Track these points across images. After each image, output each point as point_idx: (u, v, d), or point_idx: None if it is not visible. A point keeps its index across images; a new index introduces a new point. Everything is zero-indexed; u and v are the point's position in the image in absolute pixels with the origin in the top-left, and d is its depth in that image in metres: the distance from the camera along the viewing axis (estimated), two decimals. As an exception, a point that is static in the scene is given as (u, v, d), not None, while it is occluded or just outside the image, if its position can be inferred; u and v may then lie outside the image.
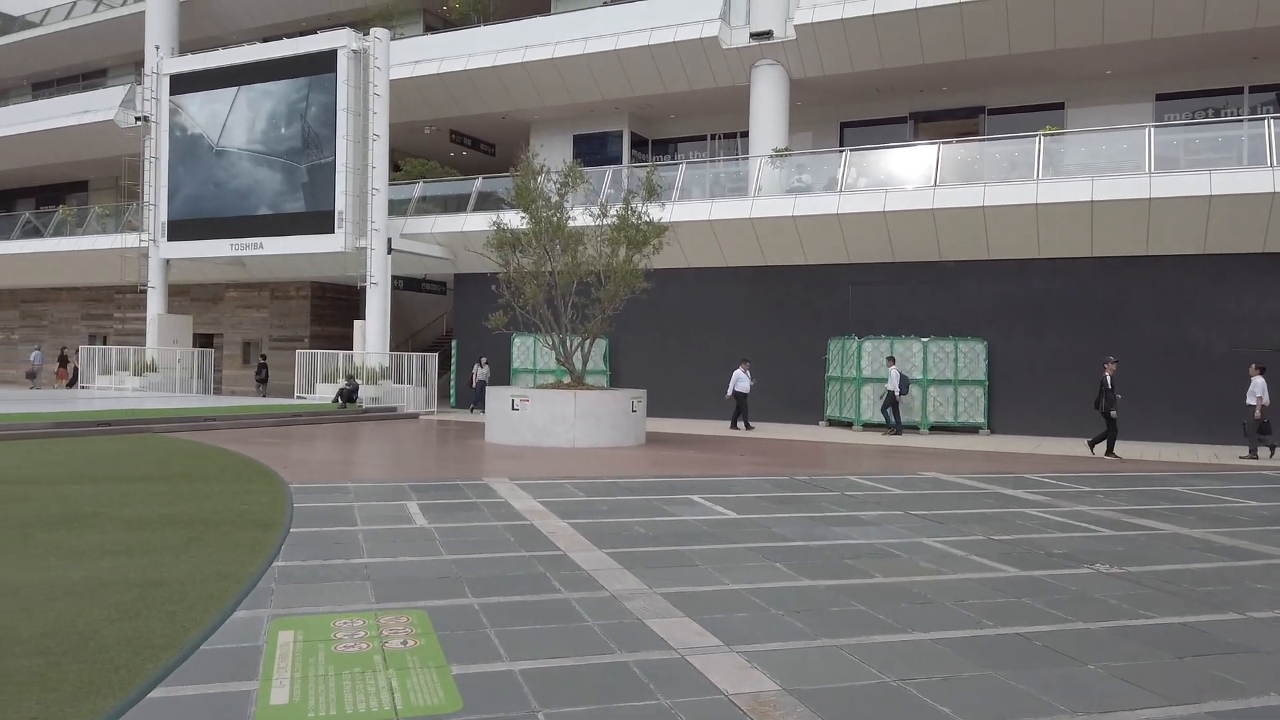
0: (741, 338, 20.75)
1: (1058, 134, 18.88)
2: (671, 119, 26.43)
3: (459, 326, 24.63)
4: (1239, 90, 20.72)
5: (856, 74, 22.11)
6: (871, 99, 23.84)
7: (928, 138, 22.14)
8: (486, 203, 23.33)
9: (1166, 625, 5.13)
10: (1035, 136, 18.41)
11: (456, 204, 24.46)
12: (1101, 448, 14.82)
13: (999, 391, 18.49)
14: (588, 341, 15.92)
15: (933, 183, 18.52)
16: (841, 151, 20.75)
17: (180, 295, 29.34)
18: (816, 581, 5.96)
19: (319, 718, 3.57)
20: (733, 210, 20.03)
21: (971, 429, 18.46)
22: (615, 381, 21.65)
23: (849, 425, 19.09)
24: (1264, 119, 16.82)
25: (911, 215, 18.37)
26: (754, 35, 21.90)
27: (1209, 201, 16.10)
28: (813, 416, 20.14)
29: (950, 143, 19.70)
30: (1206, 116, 20.45)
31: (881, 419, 18.20)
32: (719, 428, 18.93)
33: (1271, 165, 15.83)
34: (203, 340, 29.47)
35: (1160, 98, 21.37)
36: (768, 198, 20.04)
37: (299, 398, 23.39)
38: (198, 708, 3.66)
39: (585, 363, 15.98)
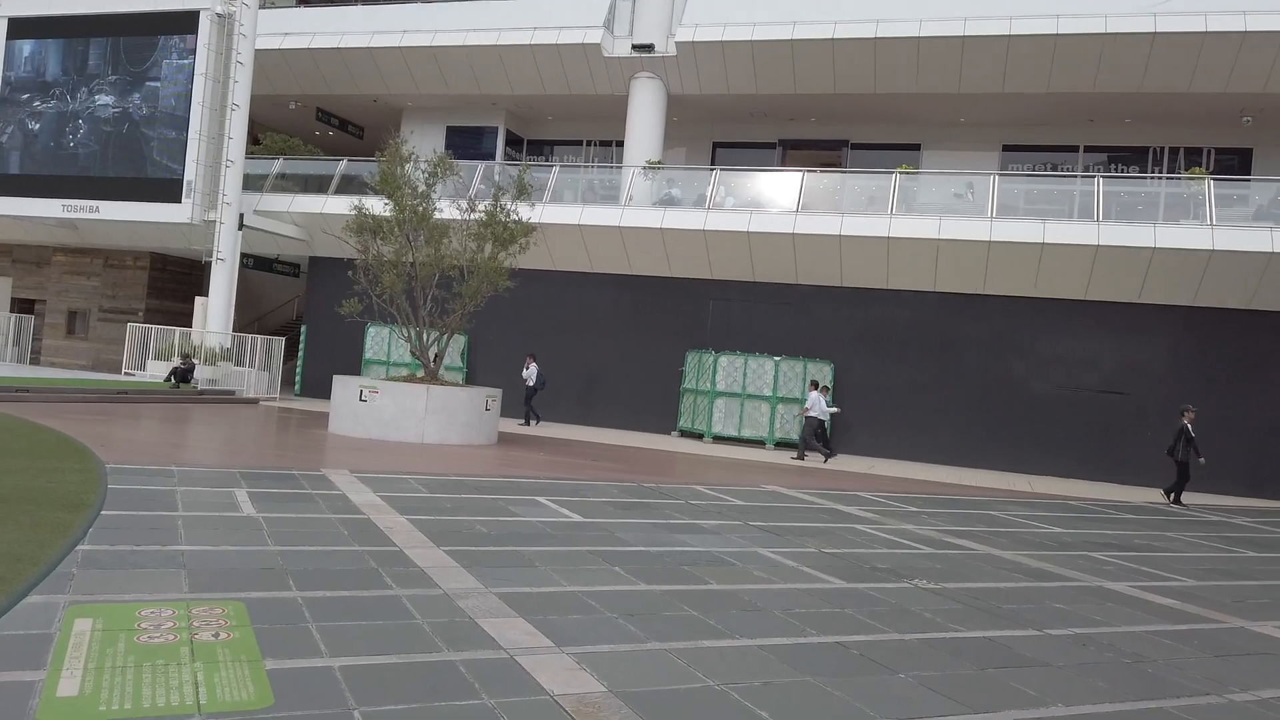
0: (603, 344, 20.85)
1: (912, 173, 19.91)
2: (549, 120, 26.32)
3: (311, 312, 23.67)
4: (1075, 149, 22.45)
5: (732, 96, 22.65)
6: (744, 122, 24.47)
7: (794, 165, 22.91)
8: (350, 186, 22.53)
9: (973, 639, 5.46)
10: (892, 174, 19.36)
11: (318, 184, 23.52)
12: (1174, 495, 14.86)
13: (842, 412, 19.27)
14: (445, 336, 15.60)
15: (795, 209, 19.17)
16: (712, 170, 21.21)
17: (0, 256, 26.95)
18: (653, 586, 6.03)
19: (111, 712, 3.32)
20: (603, 217, 20.12)
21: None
22: (472, 379, 21.30)
23: (700, 437, 19.47)
24: (1095, 177, 18.29)
25: (773, 238, 18.95)
26: (636, 47, 22.10)
27: (1041, 249, 17.35)
28: (666, 426, 20.43)
29: (814, 171, 20.46)
30: (1046, 170, 22.06)
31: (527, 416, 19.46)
32: (573, 431, 18.93)
33: (1097, 220, 17.21)
34: (23, 306, 27.20)
35: (1006, 148, 22.87)
36: (638, 208, 20.23)
37: (127, 374, 21.88)
38: (-31, 698, 3.34)
39: (441, 358, 15.65)
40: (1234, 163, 20.93)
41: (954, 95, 21.02)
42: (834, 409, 17.71)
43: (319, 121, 27.47)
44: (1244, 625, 6.47)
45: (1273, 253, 16.03)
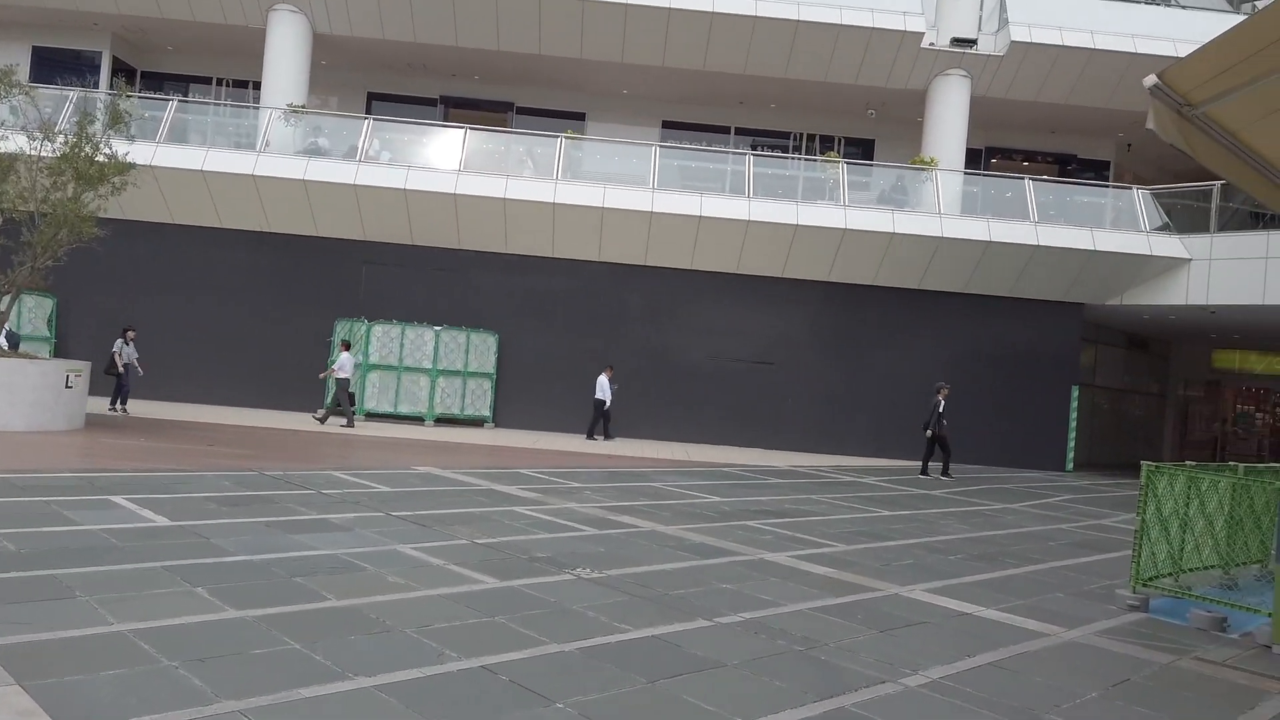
0: (236, 311, 18.17)
1: (577, 139, 19.44)
2: (169, 51, 22.57)
3: None
4: (728, 130, 23.34)
5: (388, 43, 20.73)
6: (403, 74, 22.63)
7: (456, 124, 21.55)
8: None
9: (641, 640, 4.71)
10: (558, 138, 18.72)
11: None
12: (943, 469, 15.60)
13: (505, 385, 18.44)
14: (8, 296, 12.38)
15: (457, 168, 17.88)
16: (365, 119, 19.24)
17: None
18: (246, 612, 4.61)
19: None
20: (233, 163, 17.41)
21: (477, 422, 18.15)
22: (63, 351, 17.59)
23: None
24: (746, 155, 18.98)
25: (433, 198, 17.53)
26: (274, -27, 19.42)
27: (698, 222, 17.63)
28: (313, 404, 18.27)
29: (478, 129, 19.28)
30: (702, 147, 22.67)
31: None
32: (196, 411, 16.25)
33: (748, 197, 17.81)
34: None
35: (666, 124, 23.23)
36: (276, 155, 17.77)
37: None
38: None
39: (3, 323, 12.40)
40: (859, 151, 22.90)
41: (617, 65, 20.85)
42: (614, 386, 17.43)
43: None
44: (897, 591, 6.41)
45: (894, 233, 17.53)
